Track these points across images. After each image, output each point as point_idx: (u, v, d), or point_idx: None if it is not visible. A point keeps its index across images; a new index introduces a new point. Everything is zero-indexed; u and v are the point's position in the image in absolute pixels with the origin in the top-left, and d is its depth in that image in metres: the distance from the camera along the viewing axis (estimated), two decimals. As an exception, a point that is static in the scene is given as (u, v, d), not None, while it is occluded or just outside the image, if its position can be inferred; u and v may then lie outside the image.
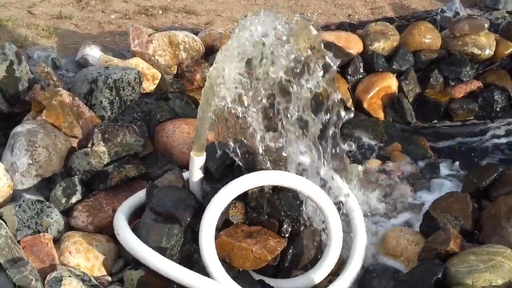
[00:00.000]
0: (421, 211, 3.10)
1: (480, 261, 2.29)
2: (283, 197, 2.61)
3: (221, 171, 2.66)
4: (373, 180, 3.40)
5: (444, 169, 3.56)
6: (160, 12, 4.90)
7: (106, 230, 2.68)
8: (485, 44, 4.47)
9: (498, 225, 2.62)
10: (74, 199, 2.73)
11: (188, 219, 2.48)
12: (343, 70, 4.33)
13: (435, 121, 4.32)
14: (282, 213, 2.60)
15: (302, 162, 2.72)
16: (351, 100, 4.27)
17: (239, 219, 2.61)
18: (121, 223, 2.52)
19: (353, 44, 4.38)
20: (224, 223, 2.57)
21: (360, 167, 3.47)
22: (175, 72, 3.79)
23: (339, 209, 2.71)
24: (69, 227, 2.69)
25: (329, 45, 4.22)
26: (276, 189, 2.60)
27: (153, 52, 3.67)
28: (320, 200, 2.56)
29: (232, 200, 2.47)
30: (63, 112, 2.92)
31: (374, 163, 3.55)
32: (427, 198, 3.23)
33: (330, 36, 4.35)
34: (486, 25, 4.49)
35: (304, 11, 5.01)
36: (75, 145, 2.97)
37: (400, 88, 4.35)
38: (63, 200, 2.70)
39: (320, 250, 2.70)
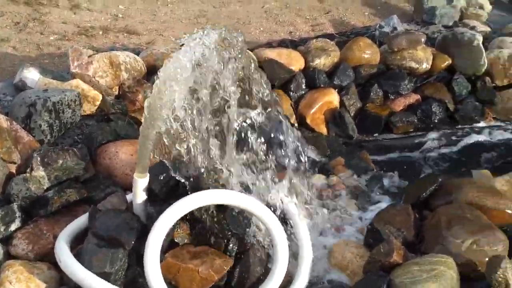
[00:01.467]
0: (365, 224, 3.13)
1: (423, 271, 2.32)
2: (229, 216, 2.60)
3: (165, 191, 2.63)
4: (318, 195, 3.42)
5: (386, 181, 3.62)
6: (101, 32, 4.84)
7: (48, 258, 2.60)
8: (422, 58, 4.59)
9: (439, 234, 2.67)
10: (13, 227, 2.65)
11: (132, 242, 2.43)
12: (285, 87, 4.37)
13: (377, 134, 4.41)
14: (228, 232, 2.59)
15: (247, 179, 2.72)
16: (294, 116, 4.31)
17: (184, 239, 2.58)
18: (62, 250, 2.45)
19: (294, 61, 4.44)
20: (170, 245, 2.54)
21: (305, 182, 3.49)
22: (116, 93, 3.75)
23: (284, 224, 2.72)
24: (8, 255, 2.59)
25: (270, 62, 4.26)
26: (222, 208, 2.59)
27: (94, 74, 3.62)
28: (265, 217, 2.56)
29: (177, 220, 2.44)
30: (0, 137, 2.84)
31: (318, 178, 3.58)
32: (371, 210, 3.27)
33: (272, 53, 4.39)
34: (423, 40, 4.62)
35: (246, 29, 5.04)
36: (13, 170, 2.88)
37: (341, 103, 4.42)
38: (2, 228, 2.61)
39: (267, 267, 2.70)
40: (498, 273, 2.25)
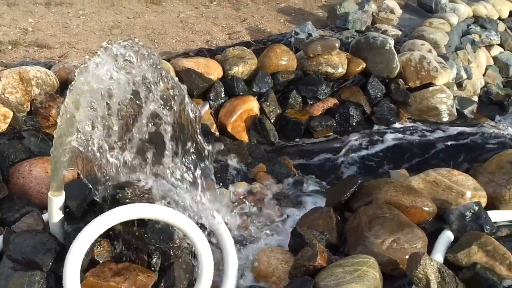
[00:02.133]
0: (289, 229, 3.14)
1: (347, 273, 2.35)
2: (150, 230, 2.54)
3: (82, 209, 2.54)
4: (241, 203, 3.41)
5: (308, 186, 3.64)
6: (10, 47, 4.66)
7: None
8: (337, 63, 4.68)
9: (361, 235, 2.72)
10: None
11: (50, 263, 2.34)
12: (205, 96, 4.35)
13: (297, 139, 4.45)
14: (151, 246, 2.53)
15: (169, 192, 2.67)
16: (215, 125, 4.29)
17: (105, 257, 2.50)
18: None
19: (212, 70, 4.42)
20: (90, 264, 2.45)
21: (228, 191, 3.47)
22: (28, 109, 3.61)
23: (209, 235, 2.68)
24: None
25: (188, 72, 4.23)
26: (142, 222, 2.53)
27: (3, 90, 3.47)
28: (188, 229, 2.52)
29: (97, 238, 2.36)
30: None
31: (241, 186, 3.56)
32: (294, 215, 3.29)
33: (189, 63, 4.36)
34: (337, 45, 4.71)
35: (162, 39, 4.98)
36: None
37: (261, 110, 4.44)
38: None
39: (193, 280, 2.65)
40: (419, 269, 2.30)
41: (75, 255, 2.25)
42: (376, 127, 4.67)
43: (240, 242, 3.08)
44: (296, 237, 2.84)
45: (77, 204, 2.51)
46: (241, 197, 3.45)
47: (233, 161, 3.86)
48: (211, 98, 4.34)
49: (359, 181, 3.08)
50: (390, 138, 4.50)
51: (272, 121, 4.45)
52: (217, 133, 4.25)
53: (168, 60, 4.36)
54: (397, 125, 4.72)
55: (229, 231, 2.82)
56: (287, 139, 4.45)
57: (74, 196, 2.52)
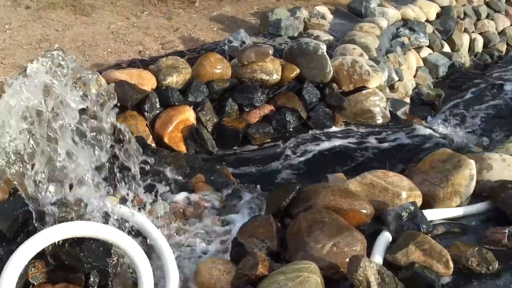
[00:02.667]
0: (230, 239, 3.12)
1: (289, 279, 2.34)
2: (86, 248, 2.47)
3: (14, 230, 2.45)
4: (181, 214, 3.36)
5: (247, 194, 3.63)
6: None
7: None
8: (272, 70, 4.70)
9: (301, 241, 2.72)
10: None
11: (-20, 289, 2.24)
12: (139, 108, 4.28)
13: (236, 147, 4.44)
14: (87, 265, 2.45)
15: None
16: (151, 136, 4.23)
17: (40, 279, 2.41)
18: None
19: (146, 81, 4.36)
20: (25, 287, 2.36)
21: (166, 204, 3.42)
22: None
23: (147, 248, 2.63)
24: None
25: (121, 84, 4.16)
26: (78, 241, 2.45)
27: None
28: (126, 245, 2.46)
29: (30, 259, 2.27)
30: None
31: (180, 197, 3.52)
32: (235, 225, 3.26)
33: (122, 75, 4.28)
34: (270, 52, 4.73)
35: (93, 51, 4.88)
36: None
37: (198, 119, 4.41)
38: None
39: (133, 296, 2.59)
40: (359, 272, 2.32)
41: (8, 279, 2.16)
42: (312, 132, 4.71)
43: (180, 255, 3.03)
44: (237, 247, 2.82)
45: (8, 225, 2.42)
46: (180, 209, 3.41)
47: (171, 173, 3.81)
48: (146, 109, 4.28)
49: (298, 187, 3.09)
50: (327, 142, 4.55)
51: (209, 130, 4.43)
52: (153, 145, 4.19)
53: (100, 72, 4.27)
54: (333, 129, 4.78)
55: (169, 243, 2.77)
56: (225, 147, 4.43)
57: (5, 217, 2.43)
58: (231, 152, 4.41)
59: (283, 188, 3.19)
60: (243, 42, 5.11)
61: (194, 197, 3.51)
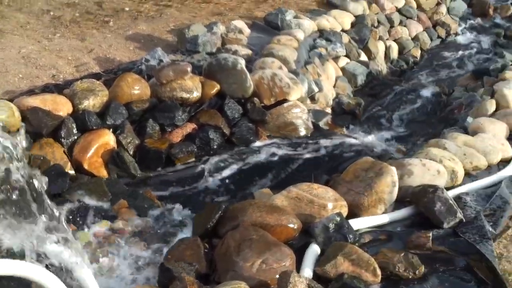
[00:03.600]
0: (157, 264, 3.03)
1: (219, 302, 2.29)
2: (1, 288, 2.32)
3: None
4: (104, 243, 3.24)
5: (174, 216, 3.56)
6: None
7: None
8: (191, 87, 4.64)
9: (230, 260, 2.67)
10: None
11: None
12: (55, 134, 4.12)
13: (160, 168, 4.34)
14: (4, 307, 2.31)
15: (17, 241, 2.46)
16: (69, 163, 4.07)
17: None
18: None
19: (61, 106, 4.21)
20: None
21: (88, 233, 3.29)
22: None
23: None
24: None
25: (34, 111, 3.99)
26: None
27: None
28: (45, 280, 2.33)
29: None
30: None
31: (103, 225, 3.40)
32: (161, 249, 3.18)
33: (35, 101, 4.11)
34: (189, 69, 4.67)
35: (3, 78, 4.65)
36: None
37: (118, 142, 4.29)
38: None
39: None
40: (289, 287, 2.29)
41: None
42: (237, 148, 4.68)
43: (107, 285, 2.92)
44: (165, 272, 2.74)
45: None
46: (104, 237, 3.29)
47: (92, 200, 3.68)
48: (63, 135, 4.11)
49: (224, 206, 3.05)
50: (252, 158, 4.53)
51: (131, 152, 4.31)
52: (72, 172, 4.03)
53: (11, 100, 4.08)
54: (257, 143, 4.76)
55: (94, 274, 2.65)
56: (149, 169, 4.33)
57: None
58: (155, 173, 4.31)
59: (209, 208, 3.13)
60: (161, 61, 5.03)
61: (118, 223, 3.40)
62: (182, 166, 4.40)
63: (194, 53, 5.53)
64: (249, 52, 5.70)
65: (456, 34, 9.24)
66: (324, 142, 4.89)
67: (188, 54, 5.54)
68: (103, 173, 4.16)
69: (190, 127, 4.59)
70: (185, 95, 4.60)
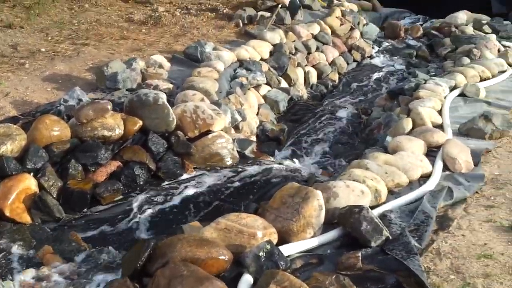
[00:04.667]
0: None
1: None
2: None
3: None
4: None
5: (102, 258, 3.46)
6: None
7: None
8: (113, 125, 4.58)
9: (162, 299, 2.63)
10: None
11: None
12: (-29, 183, 3.96)
13: (85, 209, 4.24)
14: None
15: None
16: (-11, 211, 3.92)
17: None
18: None
19: (-23, 153, 4.05)
20: None
21: (13, 283, 3.16)
22: None
23: None
24: None
25: None
26: None
27: None
28: None
29: None
30: None
31: (28, 273, 3.27)
32: (91, 294, 3.09)
33: None
34: (109, 107, 4.61)
35: None
36: None
37: (40, 186, 4.16)
38: None
39: None
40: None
41: None
42: (164, 183, 4.65)
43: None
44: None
45: None
46: (29, 286, 3.17)
47: (15, 248, 3.54)
48: (-20, 184, 3.96)
49: (152, 243, 3.00)
50: (179, 191, 4.51)
51: (55, 195, 4.20)
52: (-7, 220, 3.88)
53: None
54: (184, 176, 4.75)
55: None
56: (74, 211, 4.23)
57: None
58: (80, 215, 4.21)
59: (137, 246, 3.07)
60: (80, 100, 4.94)
61: (43, 271, 3.28)
62: (108, 205, 4.32)
63: (114, 90, 5.48)
64: (170, 86, 5.70)
65: (371, 57, 9.56)
66: (251, 170, 4.93)
67: (108, 91, 5.48)
68: (26, 218, 4.02)
69: (114, 165, 4.52)
70: (107, 133, 4.54)
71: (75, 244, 3.61)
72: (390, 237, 3.28)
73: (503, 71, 7.19)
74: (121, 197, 4.41)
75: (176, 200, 4.40)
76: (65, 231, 3.88)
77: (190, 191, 4.53)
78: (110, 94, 5.37)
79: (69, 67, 6.03)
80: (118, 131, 4.60)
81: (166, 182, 4.66)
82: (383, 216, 3.59)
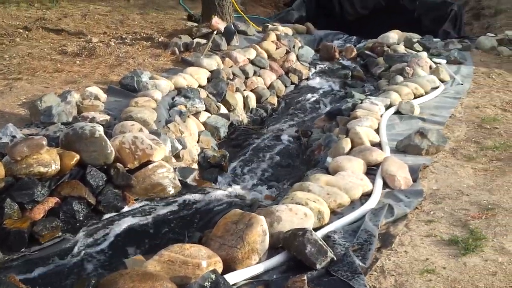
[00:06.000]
0: None
1: None
2: None
3: None
4: None
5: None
6: None
7: None
8: (49, 161, 4.45)
9: None
10: None
11: None
12: None
13: (23, 249, 4.09)
14: None
15: None
16: None
17: None
18: None
19: None
20: None
21: None
22: None
23: None
24: None
25: None
26: None
27: None
28: None
29: None
30: None
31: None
32: None
33: None
34: (44, 143, 4.48)
35: None
36: None
37: (-26, 228, 4.00)
38: None
39: None
40: None
41: None
42: (105, 216, 4.54)
43: None
44: None
45: None
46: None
47: None
48: None
49: (93, 281, 2.92)
50: (121, 225, 4.40)
51: (-9, 237, 4.04)
52: None
53: None
54: (126, 209, 4.66)
55: None
56: (11, 252, 4.06)
57: None
58: (18, 255, 4.05)
59: (79, 286, 2.98)
60: (14, 137, 4.79)
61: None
62: (48, 243, 4.18)
63: (49, 124, 5.34)
64: (107, 117, 5.61)
65: (308, 79, 9.70)
66: (194, 198, 4.89)
67: (43, 126, 5.34)
68: (-40, 263, 3.85)
69: (52, 201, 4.39)
70: (43, 170, 4.41)
71: (13, 287, 3.46)
72: (335, 258, 3.30)
73: (436, 88, 7.44)
74: (60, 234, 4.27)
75: (118, 234, 4.30)
76: (2, 273, 3.72)
77: (132, 224, 4.43)
78: (45, 129, 5.23)
79: (1, 103, 5.87)
80: (55, 167, 4.47)
81: (107, 216, 4.54)
82: (327, 237, 3.62)
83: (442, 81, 7.76)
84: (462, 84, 7.70)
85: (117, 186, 4.74)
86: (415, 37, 10.27)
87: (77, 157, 4.62)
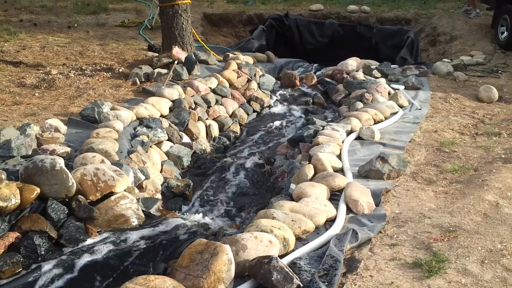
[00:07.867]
0: None
1: None
2: None
3: None
4: None
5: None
6: None
7: None
8: (9, 195, 4.36)
9: None
10: None
11: None
12: None
13: (-20, 287, 3.98)
14: None
15: None
16: None
17: None
18: None
19: None
20: None
21: None
22: None
23: None
24: None
25: None
26: None
27: None
28: None
29: None
30: None
31: None
32: None
33: None
34: (3, 177, 4.39)
35: None
36: None
37: None
38: None
39: None
40: None
41: None
42: (67, 250, 4.45)
43: None
44: None
45: None
46: None
47: None
48: None
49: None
50: (84, 258, 4.32)
51: None
52: None
53: None
54: (88, 241, 4.57)
55: None
56: (-32, 291, 3.95)
57: None
58: (-26, 294, 3.94)
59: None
60: (-28, 171, 4.70)
61: None
62: (8, 279, 4.07)
63: (8, 158, 5.24)
64: (68, 149, 5.54)
65: (270, 106, 9.78)
66: (158, 229, 4.84)
67: (1, 160, 5.24)
68: None
69: (12, 236, 4.29)
70: (2, 204, 4.31)
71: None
72: (301, 285, 3.30)
73: (395, 113, 7.57)
74: (21, 269, 4.17)
75: (80, 268, 4.21)
76: (-40, 313, 3.62)
77: (95, 257, 4.36)
78: (4, 162, 5.14)
79: (-44, 138, 5.75)
80: (15, 201, 4.38)
81: (70, 249, 4.45)
82: (292, 264, 3.62)
83: (400, 106, 7.91)
84: (420, 109, 7.85)
85: (79, 219, 4.66)
86: (373, 64, 10.46)
87: (38, 190, 4.54)
